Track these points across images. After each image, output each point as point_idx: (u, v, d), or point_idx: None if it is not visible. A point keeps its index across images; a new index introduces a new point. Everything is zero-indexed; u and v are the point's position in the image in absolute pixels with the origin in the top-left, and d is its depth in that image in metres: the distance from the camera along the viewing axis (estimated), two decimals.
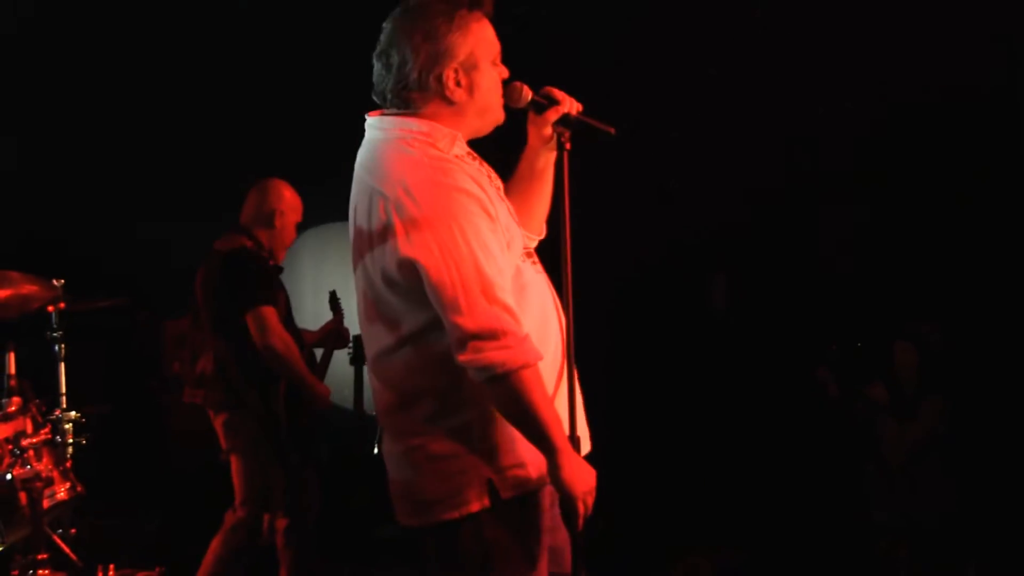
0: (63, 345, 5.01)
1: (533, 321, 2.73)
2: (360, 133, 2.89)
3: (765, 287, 7.29)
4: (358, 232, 2.75)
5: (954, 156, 7.38)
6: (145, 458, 6.99)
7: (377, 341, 2.78)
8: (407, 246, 2.60)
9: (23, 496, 4.58)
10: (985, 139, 7.39)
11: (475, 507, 2.70)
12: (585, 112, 2.95)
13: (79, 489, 4.90)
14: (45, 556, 4.74)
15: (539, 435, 2.64)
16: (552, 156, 2.99)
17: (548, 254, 3.01)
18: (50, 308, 5.00)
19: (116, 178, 7.32)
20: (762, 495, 6.62)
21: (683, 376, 6.03)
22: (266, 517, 5.10)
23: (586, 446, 2.88)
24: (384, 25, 2.81)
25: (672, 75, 6.70)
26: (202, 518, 5.36)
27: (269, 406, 4.96)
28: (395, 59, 2.77)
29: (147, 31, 7.22)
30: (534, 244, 3.08)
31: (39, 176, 7.19)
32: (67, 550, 4.97)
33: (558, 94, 2.95)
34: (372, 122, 2.85)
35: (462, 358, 2.58)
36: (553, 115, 2.92)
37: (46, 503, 4.69)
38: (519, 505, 2.73)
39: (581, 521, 2.71)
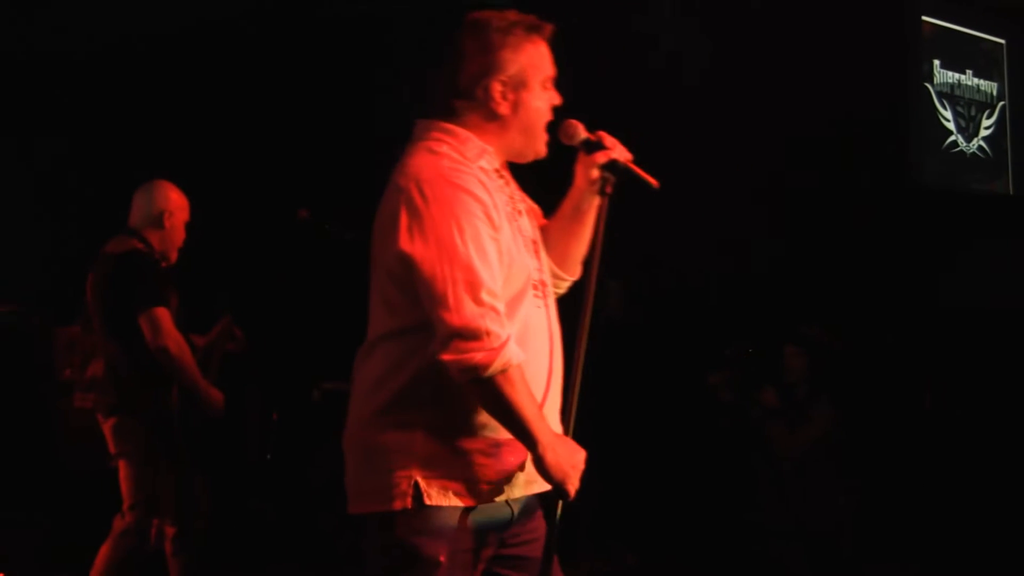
0: None
1: None
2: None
3: (659, 293, 7.37)
4: (376, 220, 2.79)
5: (845, 169, 7.56)
6: (36, 465, 6.89)
7: (373, 328, 2.82)
8: (407, 240, 2.64)
9: None
10: (874, 155, 7.60)
11: (397, 505, 2.71)
12: (634, 162, 2.97)
13: None
14: None
15: (520, 431, 2.68)
16: (596, 200, 3.01)
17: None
18: None
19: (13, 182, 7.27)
20: (655, 499, 6.67)
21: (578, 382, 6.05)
22: (155, 522, 5.05)
23: None
24: (446, 39, 2.86)
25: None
26: (94, 525, 5.29)
27: (160, 410, 4.92)
28: (448, 68, 2.83)
29: None
30: (567, 284, 3.11)
31: None
32: None
33: (609, 140, 2.97)
34: (417, 126, 2.89)
35: (445, 357, 2.60)
36: (602, 158, 2.93)
37: None
38: (442, 517, 2.74)
39: (572, 493, 2.74)
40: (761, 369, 6.55)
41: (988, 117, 8.64)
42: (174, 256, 5.20)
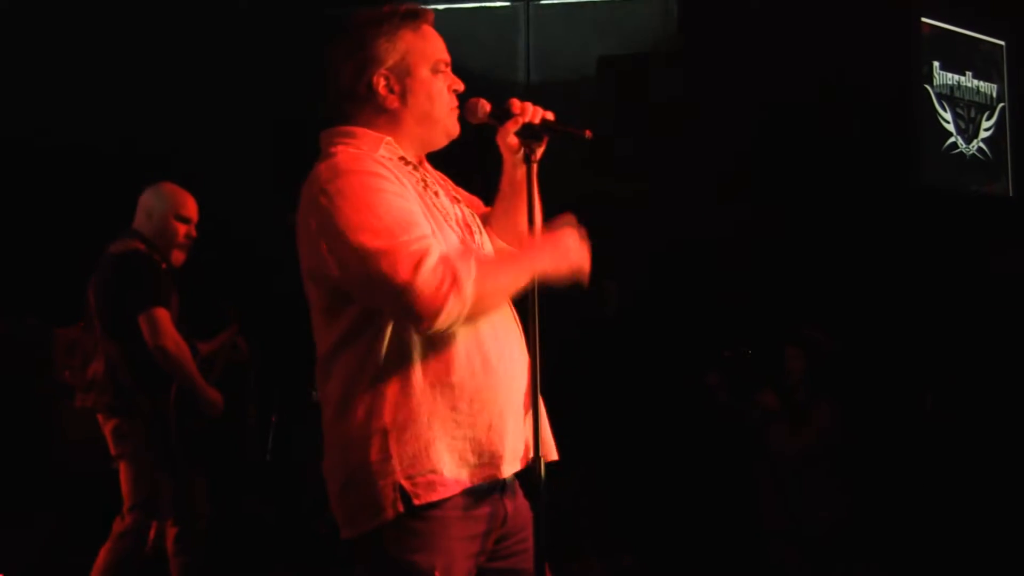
0: None
1: (470, 344, 2.71)
2: None
3: (656, 292, 7.37)
4: (297, 237, 2.75)
5: (849, 166, 7.56)
6: (36, 466, 6.90)
7: (320, 344, 2.77)
8: (330, 244, 2.60)
9: None
10: (880, 150, 7.60)
11: (389, 514, 2.64)
12: (557, 119, 2.91)
13: None
14: None
15: (522, 282, 2.67)
16: (524, 168, 2.95)
17: None
18: None
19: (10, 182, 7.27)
20: (654, 499, 6.67)
21: (575, 381, 6.06)
22: (154, 524, 5.06)
23: (552, 454, 2.88)
24: (324, 45, 2.85)
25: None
26: (94, 526, 5.30)
27: (159, 410, 4.92)
28: (330, 72, 2.82)
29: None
30: None
31: None
32: None
33: (517, 105, 2.89)
34: (321, 139, 2.86)
35: (424, 326, 2.56)
36: (513, 126, 2.88)
37: None
38: (434, 529, 2.67)
39: (585, 267, 2.74)
40: (761, 370, 6.54)
41: (988, 119, 8.64)
42: (181, 258, 5.19)
